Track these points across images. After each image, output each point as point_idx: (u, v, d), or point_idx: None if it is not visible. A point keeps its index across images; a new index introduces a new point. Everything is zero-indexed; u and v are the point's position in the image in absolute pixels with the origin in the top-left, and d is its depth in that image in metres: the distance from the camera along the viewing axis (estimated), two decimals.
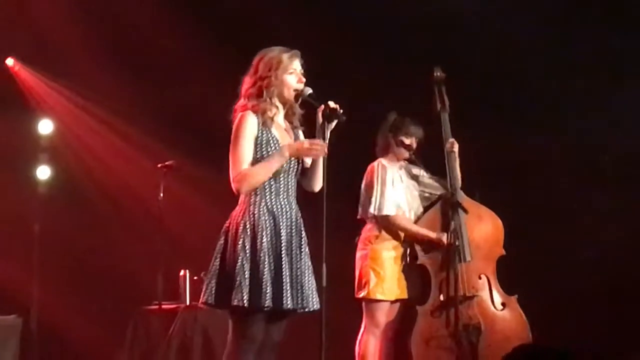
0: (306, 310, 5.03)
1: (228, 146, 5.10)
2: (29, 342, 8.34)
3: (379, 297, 6.64)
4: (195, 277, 7.83)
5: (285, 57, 5.10)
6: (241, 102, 5.12)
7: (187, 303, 7.81)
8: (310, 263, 5.08)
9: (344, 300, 6.55)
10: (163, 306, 7.64)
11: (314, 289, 5.06)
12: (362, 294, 6.66)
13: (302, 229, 5.08)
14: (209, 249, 8.45)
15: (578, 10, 7.73)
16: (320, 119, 5.07)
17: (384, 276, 6.65)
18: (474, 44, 7.92)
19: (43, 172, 8.89)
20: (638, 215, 7.69)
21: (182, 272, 7.86)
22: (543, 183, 7.88)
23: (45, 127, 8.91)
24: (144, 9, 8.32)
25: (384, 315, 6.69)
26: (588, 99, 7.76)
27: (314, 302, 5.04)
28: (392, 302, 6.70)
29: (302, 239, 5.07)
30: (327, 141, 5.04)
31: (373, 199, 6.69)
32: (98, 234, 8.70)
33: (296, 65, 5.12)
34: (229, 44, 7.96)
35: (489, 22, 7.82)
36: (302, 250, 5.05)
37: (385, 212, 6.67)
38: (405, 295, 6.71)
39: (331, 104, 5.04)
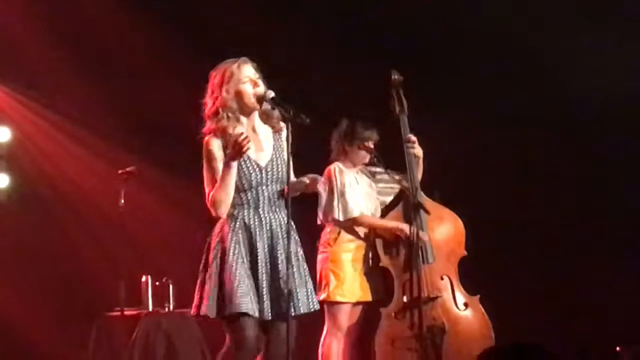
0: (301, 313, 5.12)
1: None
2: None
3: (339, 299, 6.64)
4: (157, 283, 7.81)
5: (234, 68, 5.09)
6: (206, 125, 5.14)
7: (150, 309, 7.79)
8: (302, 269, 5.16)
9: None
10: (125, 312, 7.59)
11: (307, 293, 5.16)
12: (322, 296, 6.61)
13: (293, 236, 5.09)
14: (170, 255, 8.46)
15: None
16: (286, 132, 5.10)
17: (343, 278, 6.64)
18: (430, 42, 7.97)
19: (1, 180, 8.81)
20: (602, 210, 7.78)
21: (144, 278, 7.84)
22: (505, 181, 7.91)
23: (2, 134, 8.83)
24: (102, 12, 8.28)
25: (345, 317, 6.68)
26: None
27: (310, 304, 5.17)
28: (354, 304, 6.70)
29: (292, 246, 5.06)
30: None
31: (335, 204, 6.66)
32: (58, 240, 8.63)
33: (247, 71, 5.10)
34: (190, 48, 7.95)
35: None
36: (290, 257, 5.02)
37: (350, 215, 6.67)
38: (368, 298, 6.71)
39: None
